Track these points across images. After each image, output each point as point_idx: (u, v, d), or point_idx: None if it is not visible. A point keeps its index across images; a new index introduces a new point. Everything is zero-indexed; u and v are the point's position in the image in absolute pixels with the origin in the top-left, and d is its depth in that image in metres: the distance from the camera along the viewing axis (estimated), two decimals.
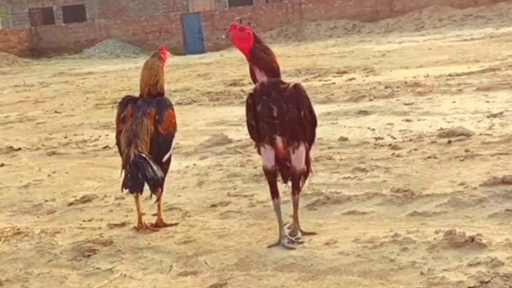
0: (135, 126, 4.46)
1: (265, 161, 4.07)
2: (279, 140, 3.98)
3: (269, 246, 4.05)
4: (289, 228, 4.21)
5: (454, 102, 8.99)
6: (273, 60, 3.96)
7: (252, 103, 4.04)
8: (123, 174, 4.37)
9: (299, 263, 3.75)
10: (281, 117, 3.94)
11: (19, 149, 8.47)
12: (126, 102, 4.68)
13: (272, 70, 3.95)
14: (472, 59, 14.58)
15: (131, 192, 4.42)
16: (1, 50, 35.26)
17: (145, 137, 4.42)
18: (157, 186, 4.35)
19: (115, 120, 4.74)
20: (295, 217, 4.20)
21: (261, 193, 5.18)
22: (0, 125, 11.12)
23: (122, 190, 4.41)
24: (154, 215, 4.74)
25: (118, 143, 4.65)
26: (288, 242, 4.02)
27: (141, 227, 4.58)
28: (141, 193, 4.42)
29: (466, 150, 6.02)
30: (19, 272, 3.97)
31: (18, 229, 4.86)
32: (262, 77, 3.94)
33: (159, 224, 4.61)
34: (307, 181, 4.33)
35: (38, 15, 40.86)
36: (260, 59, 3.93)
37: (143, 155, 4.33)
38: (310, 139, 4.09)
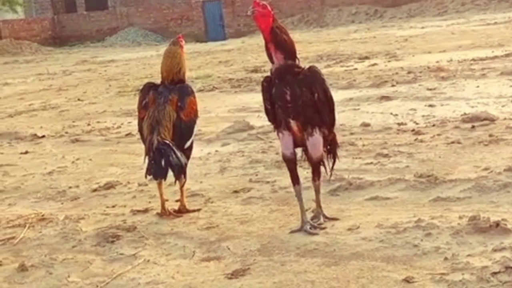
0: (158, 113, 4.47)
1: (284, 148, 4.04)
2: (293, 124, 3.93)
3: (291, 232, 4.04)
4: (312, 212, 4.20)
5: (477, 86, 8.90)
6: (291, 42, 3.93)
7: (268, 86, 4.01)
8: (146, 161, 4.39)
9: (321, 248, 3.74)
10: (294, 101, 3.88)
11: (43, 136, 8.56)
12: (148, 89, 4.69)
13: (289, 52, 3.91)
14: (496, 43, 14.40)
15: (155, 178, 4.43)
16: (25, 38, 35.60)
17: (168, 124, 4.43)
18: (180, 172, 4.37)
19: (137, 107, 4.75)
20: (317, 202, 4.18)
21: (283, 179, 5.18)
22: (24, 113, 11.23)
23: (146, 177, 4.43)
24: (177, 201, 4.76)
25: (140, 130, 4.65)
26: (310, 228, 4.01)
27: (164, 214, 4.61)
28: (164, 180, 4.44)
29: (490, 135, 5.96)
30: (44, 257, 4.01)
31: (43, 215, 4.91)
32: (279, 59, 3.91)
33: (182, 210, 4.63)
34: (335, 166, 4.29)
35: (61, 3, 41.08)
36: (279, 39, 3.89)
37: (167, 141, 4.35)
38: (329, 124, 4.03)
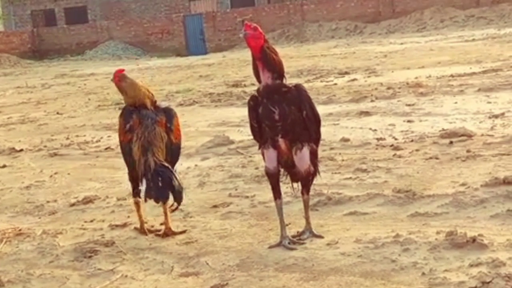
0: (148, 134, 4.35)
1: (268, 163, 4.07)
2: (281, 142, 3.98)
3: (270, 247, 4.04)
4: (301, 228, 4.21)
5: (456, 102, 8.99)
6: (280, 62, 3.96)
7: (254, 105, 4.04)
8: (144, 184, 4.25)
9: (300, 263, 3.75)
10: (283, 120, 3.93)
11: (21, 150, 8.48)
12: (129, 112, 4.49)
13: (279, 71, 3.94)
14: (474, 60, 14.58)
15: (157, 201, 4.31)
16: (4, 51, 35.35)
17: (161, 145, 4.33)
18: (181, 197, 4.28)
19: (119, 131, 4.56)
20: (306, 217, 4.20)
21: (262, 194, 5.19)
22: (2, 127, 11.14)
23: (145, 200, 4.30)
24: (161, 224, 4.62)
25: (126, 152, 4.46)
26: (288, 243, 4.02)
27: (144, 233, 4.54)
28: (167, 201, 4.32)
29: (468, 151, 6.02)
30: (20, 273, 3.97)
31: (20, 230, 4.87)
32: (267, 78, 3.93)
33: (168, 233, 4.49)
34: (314, 181, 4.31)
35: (40, 16, 40.93)
36: (269, 59, 3.92)
37: (164, 163, 4.27)
38: (315, 139, 4.08)
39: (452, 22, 29.64)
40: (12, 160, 7.92)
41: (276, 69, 3.93)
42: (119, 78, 4.56)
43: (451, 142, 6.46)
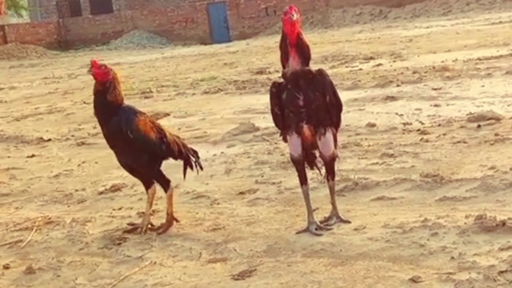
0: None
1: (292, 150, 4.07)
2: (306, 128, 3.97)
3: (298, 233, 4.05)
4: (330, 213, 4.21)
5: (483, 86, 8.88)
6: (309, 49, 3.96)
7: (277, 91, 4.03)
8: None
9: (328, 249, 3.75)
10: (308, 106, 3.93)
11: (49, 140, 8.58)
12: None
13: (308, 59, 3.95)
14: (501, 42, 14.38)
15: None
16: (30, 42, 35.72)
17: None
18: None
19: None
20: (332, 202, 4.20)
21: (288, 180, 5.18)
22: (31, 117, 11.27)
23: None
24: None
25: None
26: (316, 229, 4.01)
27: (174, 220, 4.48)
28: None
29: (496, 134, 5.95)
30: (51, 260, 4.02)
31: (50, 218, 4.93)
32: (296, 64, 3.92)
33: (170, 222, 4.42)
34: (340, 167, 4.31)
35: (66, 7, 41.21)
36: (303, 46, 3.92)
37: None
38: (336, 124, 4.08)
39: (478, 4, 29.22)
40: (40, 150, 8.02)
41: (305, 55, 3.93)
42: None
43: (479, 126, 6.39)
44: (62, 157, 7.41)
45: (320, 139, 4.00)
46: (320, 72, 3.99)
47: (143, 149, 4.32)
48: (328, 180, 4.16)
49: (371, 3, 32.09)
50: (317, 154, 4.15)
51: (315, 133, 3.98)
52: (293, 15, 3.87)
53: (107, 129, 4.36)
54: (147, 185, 4.45)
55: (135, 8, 38.81)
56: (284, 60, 3.95)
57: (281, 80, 4.04)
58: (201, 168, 4.65)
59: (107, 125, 4.35)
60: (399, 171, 5.16)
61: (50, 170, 6.75)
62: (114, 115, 4.33)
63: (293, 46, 3.91)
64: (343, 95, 4.18)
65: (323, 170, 4.23)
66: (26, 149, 8.20)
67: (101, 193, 5.58)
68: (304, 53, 3.92)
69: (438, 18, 27.50)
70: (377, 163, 5.51)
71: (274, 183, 5.24)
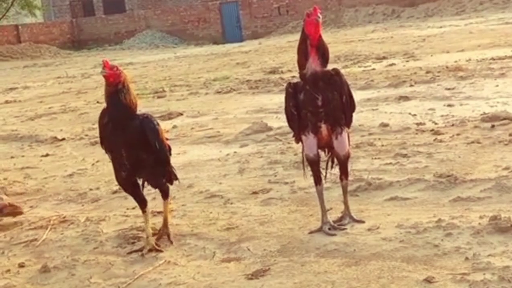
0: None
1: (308, 150, 4.07)
2: (323, 128, 3.99)
3: (311, 232, 4.05)
4: (341, 213, 4.22)
5: (497, 86, 8.84)
6: (328, 50, 3.97)
7: (293, 92, 4.03)
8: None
9: (341, 249, 3.75)
10: (326, 106, 3.94)
11: (63, 139, 8.63)
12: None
13: (327, 60, 3.98)
14: None
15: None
16: (44, 42, 35.93)
17: None
18: None
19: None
20: (345, 202, 4.21)
21: (302, 179, 5.17)
22: (44, 116, 11.34)
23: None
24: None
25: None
26: (329, 229, 4.02)
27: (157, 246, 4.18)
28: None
29: (510, 134, 5.92)
30: (66, 259, 4.05)
31: (64, 217, 4.96)
32: (316, 65, 3.93)
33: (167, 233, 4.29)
34: (354, 166, 4.31)
35: (79, 7, 41.41)
36: (324, 48, 3.94)
37: None
38: (349, 122, 4.10)
39: (492, 4, 29.06)
40: (54, 149, 8.07)
41: (325, 57, 3.95)
42: None
43: (493, 126, 6.36)
44: (76, 156, 7.45)
45: (337, 138, 4.01)
46: (337, 72, 4.00)
47: (159, 157, 4.13)
48: (341, 180, 4.17)
49: (384, 2, 32.00)
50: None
51: (332, 133, 4.00)
52: (318, 17, 3.89)
53: (124, 134, 4.06)
54: (143, 205, 4.22)
55: (148, 7, 38.92)
56: (303, 60, 3.95)
57: (295, 80, 4.05)
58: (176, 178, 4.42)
59: (124, 129, 4.06)
60: (413, 171, 5.15)
61: (64, 169, 6.79)
62: (130, 120, 4.08)
63: (314, 48, 3.92)
64: (356, 95, 4.17)
65: (333, 170, 4.24)
66: (41, 148, 8.25)
67: (115, 192, 5.60)
68: (324, 54, 3.94)
69: (451, 17, 27.36)
70: (390, 163, 5.50)
71: (287, 183, 5.25)
